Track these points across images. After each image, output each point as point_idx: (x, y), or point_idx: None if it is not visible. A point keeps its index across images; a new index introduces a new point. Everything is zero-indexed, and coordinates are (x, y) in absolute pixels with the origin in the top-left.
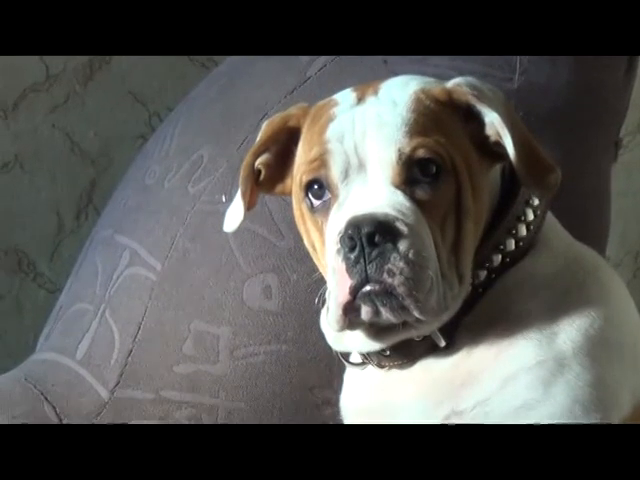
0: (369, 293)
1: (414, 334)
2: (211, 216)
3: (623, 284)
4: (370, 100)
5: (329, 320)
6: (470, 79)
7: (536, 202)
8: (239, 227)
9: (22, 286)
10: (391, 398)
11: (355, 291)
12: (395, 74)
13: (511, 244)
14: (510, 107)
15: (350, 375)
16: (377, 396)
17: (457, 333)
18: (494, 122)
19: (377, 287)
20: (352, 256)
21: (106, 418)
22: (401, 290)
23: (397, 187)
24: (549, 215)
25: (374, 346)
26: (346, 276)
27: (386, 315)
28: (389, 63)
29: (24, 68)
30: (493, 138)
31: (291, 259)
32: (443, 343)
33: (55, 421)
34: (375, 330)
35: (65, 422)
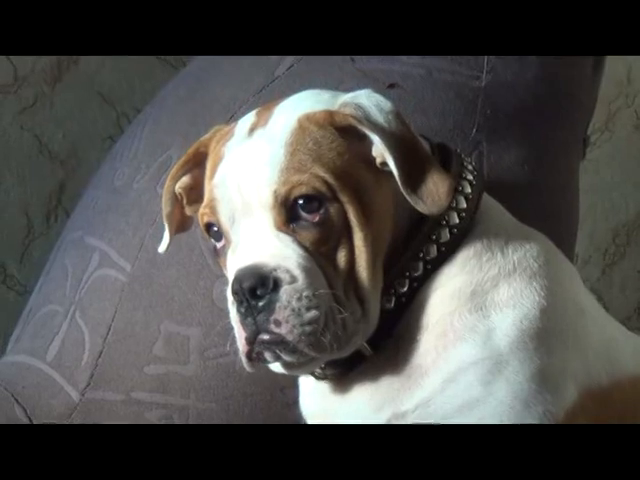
0: (263, 342)
1: (334, 356)
2: None
3: (563, 264)
4: (257, 133)
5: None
6: (360, 95)
7: (462, 205)
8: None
9: None
10: (336, 405)
11: (251, 342)
12: (362, 72)
13: (433, 251)
14: (399, 122)
15: (303, 380)
16: (324, 402)
17: (392, 340)
18: (377, 145)
19: (268, 337)
20: (242, 310)
21: (77, 420)
22: (290, 338)
23: (279, 229)
24: (492, 201)
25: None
26: (241, 328)
27: (286, 358)
28: (356, 61)
29: None
30: (379, 159)
31: None
32: (369, 352)
33: (26, 423)
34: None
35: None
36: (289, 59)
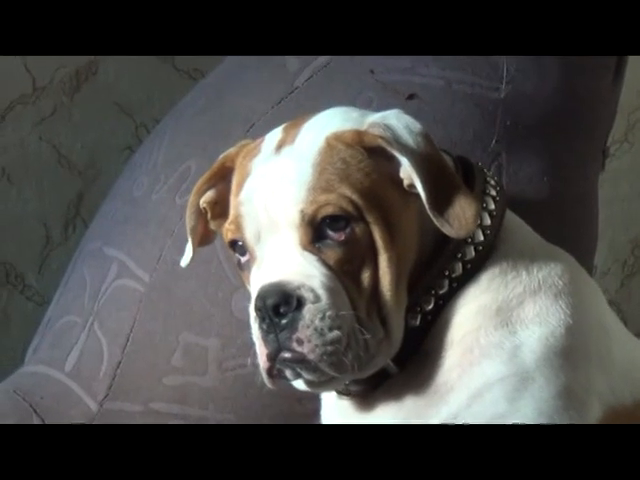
0: (284, 360)
1: (355, 377)
2: None
3: (588, 283)
4: (285, 151)
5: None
6: (389, 116)
7: (487, 222)
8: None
9: (10, 298)
10: (360, 420)
11: (272, 359)
12: (382, 84)
13: (458, 268)
14: (428, 144)
15: (326, 395)
16: (347, 417)
17: (418, 357)
18: (406, 167)
19: (290, 355)
20: (264, 326)
21: None
22: (311, 357)
23: (305, 248)
24: (515, 217)
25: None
26: (263, 344)
27: (307, 377)
28: (376, 73)
29: (11, 80)
30: (407, 181)
31: None
32: (394, 370)
33: None
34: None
35: None
36: (308, 70)
